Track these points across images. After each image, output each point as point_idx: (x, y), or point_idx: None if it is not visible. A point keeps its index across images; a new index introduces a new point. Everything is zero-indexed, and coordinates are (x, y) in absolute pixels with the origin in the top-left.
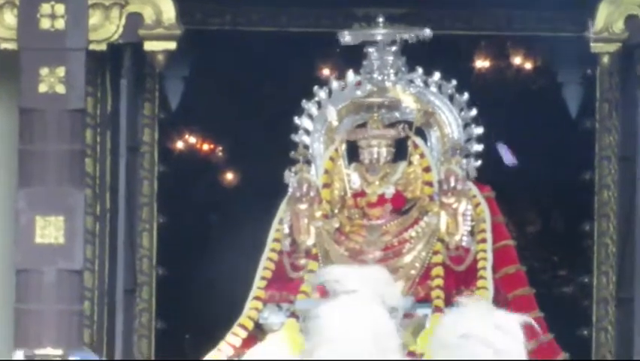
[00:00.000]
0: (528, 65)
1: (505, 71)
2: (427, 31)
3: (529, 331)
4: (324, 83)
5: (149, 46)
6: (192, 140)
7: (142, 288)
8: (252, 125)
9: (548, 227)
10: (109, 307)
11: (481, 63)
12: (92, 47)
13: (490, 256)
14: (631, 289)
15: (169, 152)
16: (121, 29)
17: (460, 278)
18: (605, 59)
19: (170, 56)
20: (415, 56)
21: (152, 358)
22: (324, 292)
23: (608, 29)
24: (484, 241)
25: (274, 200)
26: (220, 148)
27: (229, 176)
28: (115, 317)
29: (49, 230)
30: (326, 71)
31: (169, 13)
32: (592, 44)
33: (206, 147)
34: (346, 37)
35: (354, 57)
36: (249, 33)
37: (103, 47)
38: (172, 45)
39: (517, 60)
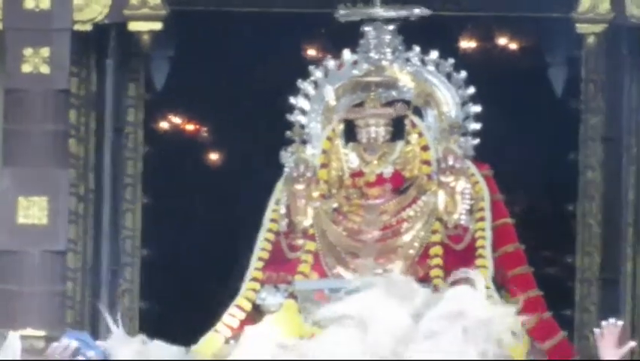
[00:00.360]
0: (514, 46)
1: (492, 52)
2: (424, 10)
3: (528, 309)
4: (310, 63)
5: (134, 26)
6: (177, 120)
7: (125, 268)
8: (237, 105)
9: (532, 207)
10: (92, 288)
11: (468, 44)
12: (76, 27)
13: (489, 234)
14: (614, 270)
15: (154, 132)
16: (106, 10)
17: (459, 257)
18: (591, 40)
19: (155, 36)
20: (404, 36)
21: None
22: (322, 297)
23: (593, 10)
24: (482, 219)
25: (260, 180)
26: (205, 129)
27: (214, 157)
28: (99, 297)
29: (33, 210)
30: (312, 52)
31: None
32: (578, 25)
33: (191, 127)
34: (342, 15)
35: (341, 37)
36: (235, 13)
37: (88, 27)
38: (157, 25)
39: (503, 41)
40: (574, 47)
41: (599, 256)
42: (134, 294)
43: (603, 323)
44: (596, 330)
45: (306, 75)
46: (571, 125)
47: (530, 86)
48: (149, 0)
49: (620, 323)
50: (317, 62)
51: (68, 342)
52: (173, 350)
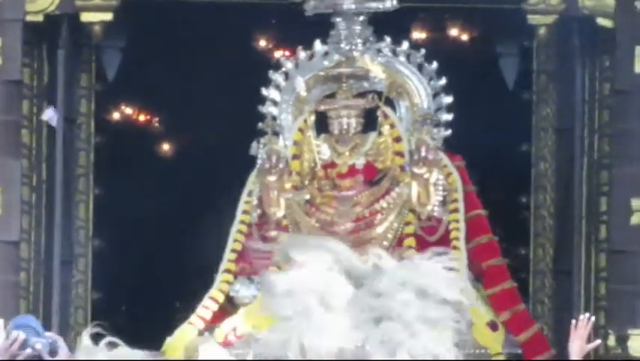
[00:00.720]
0: (465, 37)
1: (443, 43)
2: (394, 3)
3: (503, 301)
4: (263, 53)
5: (85, 17)
6: (129, 111)
7: (78, 259)
8: (189, 96)
9: (485, 199)
10: (45, 279)
11: (419, 35)
12: (28, 18)
13: (462, 225)
14: (567, 262)
15: (106, 123)
16: (57, 0)
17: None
18: (542, 31)
19: (106, 27)
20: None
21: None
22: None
23: (544, 1)
24: (456, 210)
25: (212, 171)
26: (157, 119)
27: (166, 147)
28: (51, 288)
29: None
30: (263, 42)
31: None
32: (529, 16)
33: (142, 118)
34: (311, 7)
35: (294, 28)
36: (187, 3)
37: (39, 18)
38: (108, 16)
39: (454, 32)
40: (525, 38)
41: (552, 248)
42: (87, 285)
43: (580, 316)
44: (573, 321)
45: (258, 66)
46: (523, 116)
47: (482, 77)
48: None
49: (593, 318)
50: (269, 53)
51: (16, 334)
52: (140, 355)
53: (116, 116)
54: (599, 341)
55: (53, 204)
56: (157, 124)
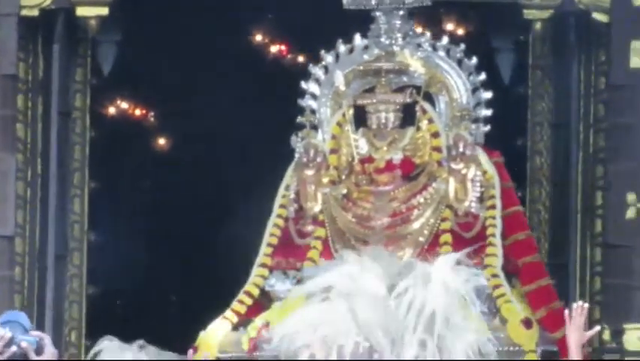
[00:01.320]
0: (461, 32)
1: (439, 38)
2: None
3: (539, 298)
4: (257, 48)
5: (81, 11)
6: (124, 105)
7: (73, 253)
8: (184, 91)
9: None
10: (40, 273)
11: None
12: (23, 12)
13: (499, 222)
14: (563, 256)
15: (101, 117)
16: None
17: (468, 245)
18: (538, 26)
19: (102, 21)
20: (351, 23)
21: (83, 323)
22: None
23: None
24: (493, 207)
25: (206, 166)
26: (152, 114)
27: (161, 142)
28: (46, 282)
29: None
30: (258, 37)
31: None
32: (525, 11)
33: (138, 112)
34: (349, 2)
35: (286, 24)
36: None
37: (35, 12)
38: (104, 10)
39: (450, 26)
40: (521, 33)
41: (547, 242)
42: (82, 279)
43: (574, 305)
44: (565, 311)
45: (254, 60)
46: (518, 110)
47: (478, 72)
48: None
49: (587, 305)
50: (265, 47)
51: (3, 332)
52: (169, 355)
53: (111, 110)
54: (598, 328)
55: (48, 198)
56: (152, 118)
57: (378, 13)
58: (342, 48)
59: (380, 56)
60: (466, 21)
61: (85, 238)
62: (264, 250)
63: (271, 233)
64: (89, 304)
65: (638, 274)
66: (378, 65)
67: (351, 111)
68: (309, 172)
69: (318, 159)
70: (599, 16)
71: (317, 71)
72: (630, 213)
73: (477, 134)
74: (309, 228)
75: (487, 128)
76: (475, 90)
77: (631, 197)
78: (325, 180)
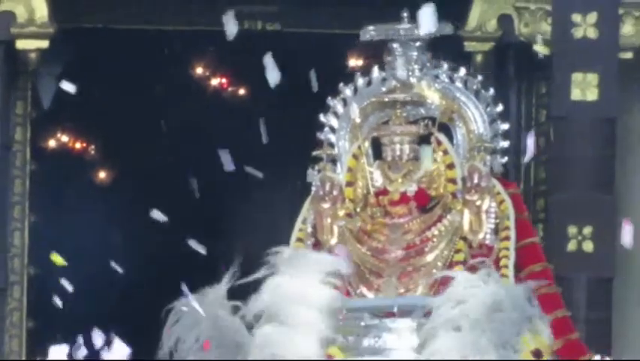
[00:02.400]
0: None
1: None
2: (449, 27)
3: (557, 329)
4: (198, 80)
5: (21, 44)
6: (65, 138)
7: (13, 287)
8: (124, 123)
9: None
10: None
11: (356, 62)
12: None
13: (512, 254)
14: None
15: (41, 150)
16: None
17: None
18: (479, 58)
19: (42, 54)
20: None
21: (23, 356)
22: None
23: (481, 28)
24: (507, 238)
25: (147, 198)
26: (93, 147)
27: (102, 175)
28: None
29: None
30: (200, 70)
31: (42, 11)
32: (465, 43)
33: (78, 145)
34: (369, 34)
35: (229, 54)
36: (123, 31)
37: None
38: (44, 44)
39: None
40: (462, 65)
41: None
42: (22, 313)
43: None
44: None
45: (195, 93)
46: None
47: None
48: (36, 18)
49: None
50: (207, 80)
51: None
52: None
53: (52, 143)
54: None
55: None
56: (93, 151)
57: (394, 45)
58: (360, 81)
59: (396, 88)
60: None
61: (25, 272)
62: None
63: None
64: (29, 338)
65: (581, 307)
66: (394, 96)
67: (367, 143)
68: (326, 205)
69: (335, 192)
70: (540, 49)
71: (335, 103)
72: (571, 245)
73: (494, 166)
74: None
75: (505, 159)
76: (492, 121)
77: (572, 230)
78: (341, 213)
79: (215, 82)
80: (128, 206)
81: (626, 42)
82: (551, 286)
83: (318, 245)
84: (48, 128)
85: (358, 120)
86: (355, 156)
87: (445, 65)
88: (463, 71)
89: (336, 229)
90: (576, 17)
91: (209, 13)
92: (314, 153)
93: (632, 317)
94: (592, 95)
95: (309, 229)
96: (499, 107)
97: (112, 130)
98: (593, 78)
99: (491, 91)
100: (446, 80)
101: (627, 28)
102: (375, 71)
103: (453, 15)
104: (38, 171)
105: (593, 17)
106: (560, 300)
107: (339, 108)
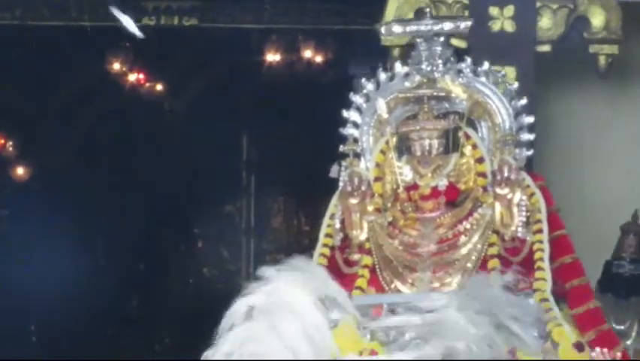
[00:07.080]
0: (319, 59)
1: (296, 65)
2: (469, 23)
3: (588, 321)
4: (113, 76)
5: None
6: None
7: None
8: (43, 119)
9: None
10: None
11: (272, 57)
12: None
13: (546, 246)
14: None
15: None
16: None
17: (517, 269)
18: (396, 53)
19: None
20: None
21: None
22: (380, 312)
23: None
24: (540, 231)
25: (69, 194)
26: (11, 143)
27: (20, 171)
28: None
29: None
30: (116, 65)
31: None
32: (382, 37)
33: None
34: (394, 29)
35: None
36: (39, 27)
37: None
38: None
39: (308, 53)
40: (378, 60)
41: None
42: None
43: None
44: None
45: (112, 88)
46: None
47: (335, 99)
48: None
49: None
50: (123, 75)
51: None
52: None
53: None
54: None
55: None
56: (11, 148)
57: (418, 40)
58: (382, 76)
59: (422, 83)
60: (323, 47)
61: None
62: None
63: (318, 263)
64: None
65: None
66: (420, 92)
67: (395, 139)
68: (354, 201)
69: (363, 188)
70: (457, 42)
71: (358, 99)
72: None
73: (520, 159)
74: (356, 256)
75: (531, 152)
76: (517, 115)
77: None
78: (370, 208)
79: (132, 77)
80: (45, 201)
81: (543, 35)
82: (582, 278)
83: (346, 240)
84: None
85: (385, 115)
86: (383, 152)
87: (469, 60)
88: (486, 65)
89: (365, 224)
90: (493, 10)
91: (123, 7)
92: (341, 149)
93: None
94: None
95: (337, 225)
96: (524, 100)
97: (30, 126)
98: (510, 71)
99: (515, 84)
100: (470, 74)
101: (544, 22)
102: (398, 66)
103: (369, 9)
104: None
105: (510, 10)
106: (591, 292)
107: (362, 103)
